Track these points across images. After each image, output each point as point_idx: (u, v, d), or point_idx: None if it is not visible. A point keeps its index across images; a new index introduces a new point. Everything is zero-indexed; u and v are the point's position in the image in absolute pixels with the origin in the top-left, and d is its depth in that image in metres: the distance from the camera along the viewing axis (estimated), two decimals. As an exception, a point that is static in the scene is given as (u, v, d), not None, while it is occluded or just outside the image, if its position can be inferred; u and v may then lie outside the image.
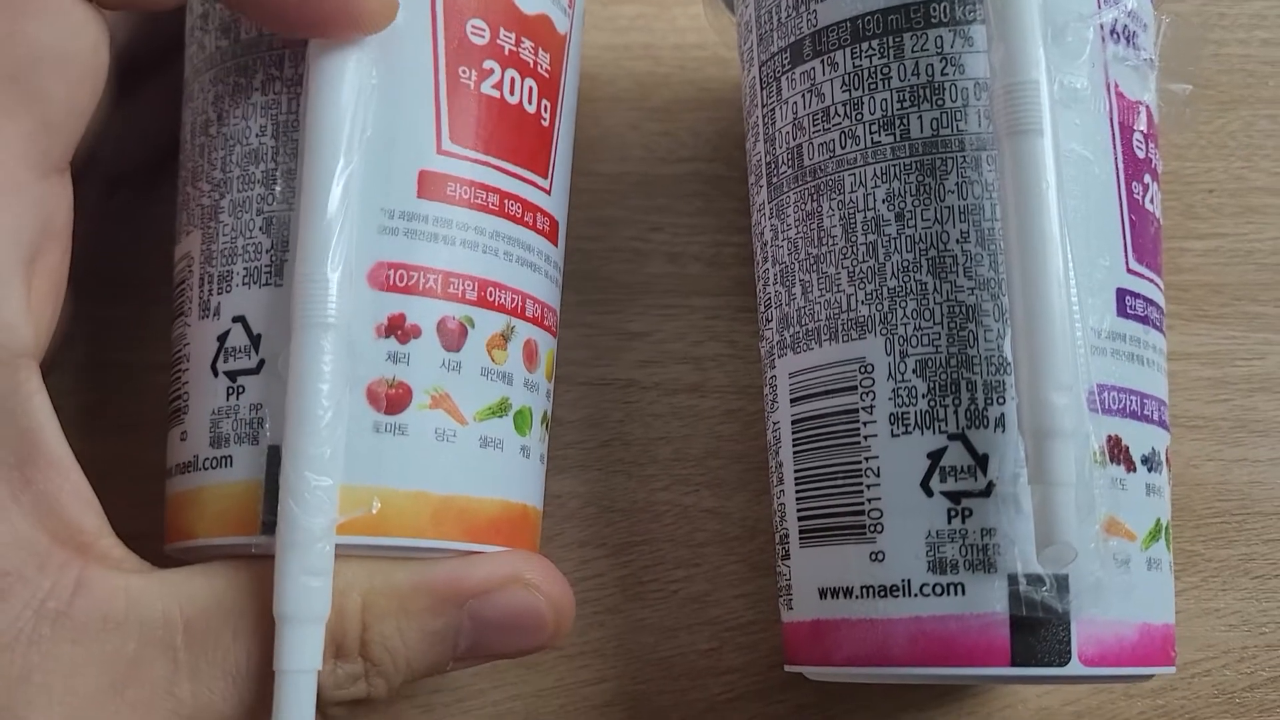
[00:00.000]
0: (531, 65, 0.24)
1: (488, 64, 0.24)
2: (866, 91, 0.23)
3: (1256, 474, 0.31)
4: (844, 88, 0.24)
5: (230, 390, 0.22)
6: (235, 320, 0.23)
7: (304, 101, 0.22)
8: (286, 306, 0.22)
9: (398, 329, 0.22)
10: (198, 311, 0.23)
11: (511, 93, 0.24)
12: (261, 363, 0.22)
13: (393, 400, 0.22)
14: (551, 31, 0.25)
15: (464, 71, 0.23)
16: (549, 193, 0.25)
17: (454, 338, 0.23)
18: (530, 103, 0.24)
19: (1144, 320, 0.23)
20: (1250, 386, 0.31)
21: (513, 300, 0.24)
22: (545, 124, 0.25)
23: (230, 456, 0.22)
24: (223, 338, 0.23)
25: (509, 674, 0.29)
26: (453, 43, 0.23)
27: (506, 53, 0.24)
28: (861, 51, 0.24)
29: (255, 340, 0.22)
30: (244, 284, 0.23)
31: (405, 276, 0.22)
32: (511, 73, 0.24)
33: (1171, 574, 0.24)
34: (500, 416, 0.23)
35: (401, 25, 0.23)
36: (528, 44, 0.24)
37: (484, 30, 0.24)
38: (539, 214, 0.25)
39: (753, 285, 0.27)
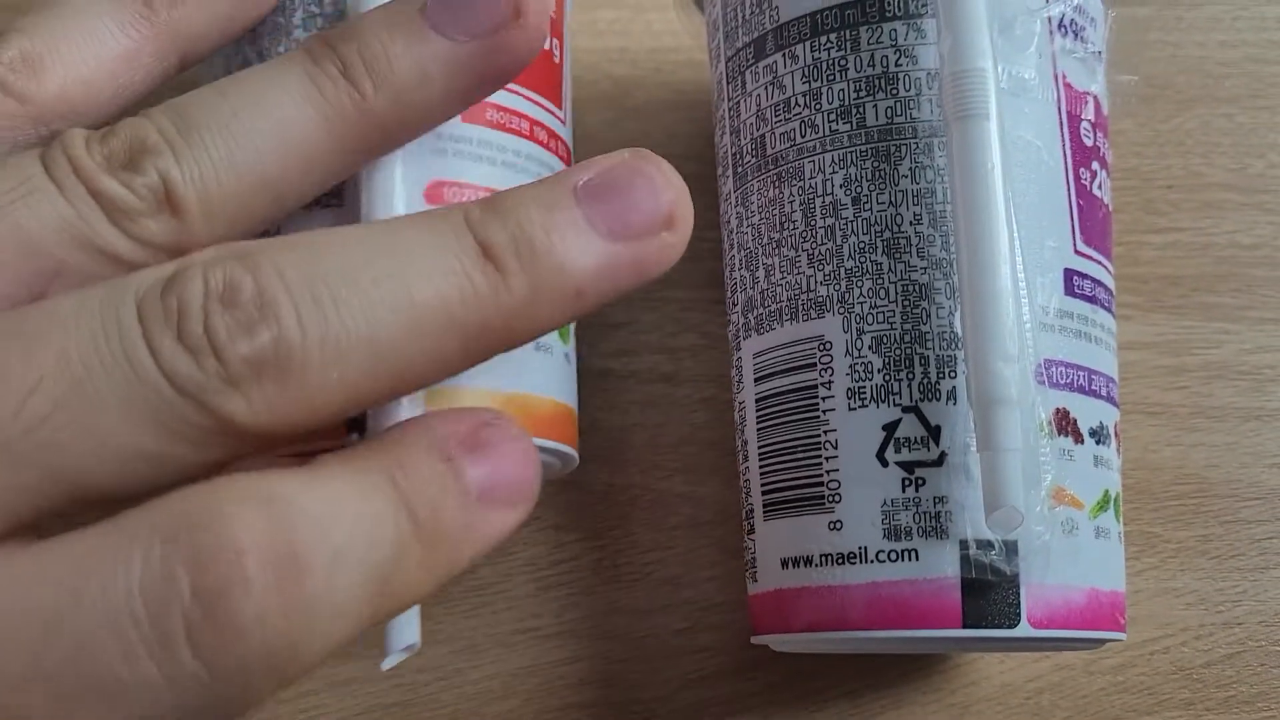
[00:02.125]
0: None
1: None
2: (825, 83, 0.25)
3: (1213, 458, 0.32)
4: (804, 79, 0.25)
5: None
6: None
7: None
8: None
9: None
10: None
11: None
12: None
13: None
14: None
15: None
16: (563, 122, 0.27)
17: None
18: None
19: (1091, 300, 0.24)
20: (1207, 374, 0.32)
21: None
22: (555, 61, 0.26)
23: None
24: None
25: (486, 654, 0.30)
26: None
27: None
28: (820, 45, 0.25)
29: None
30: None
31: None
32: None
33: (1122, 545, 0.25)
34: None
35: None
36: None
37: None
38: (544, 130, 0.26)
39: (723, 273, 0.28)
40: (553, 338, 0.25)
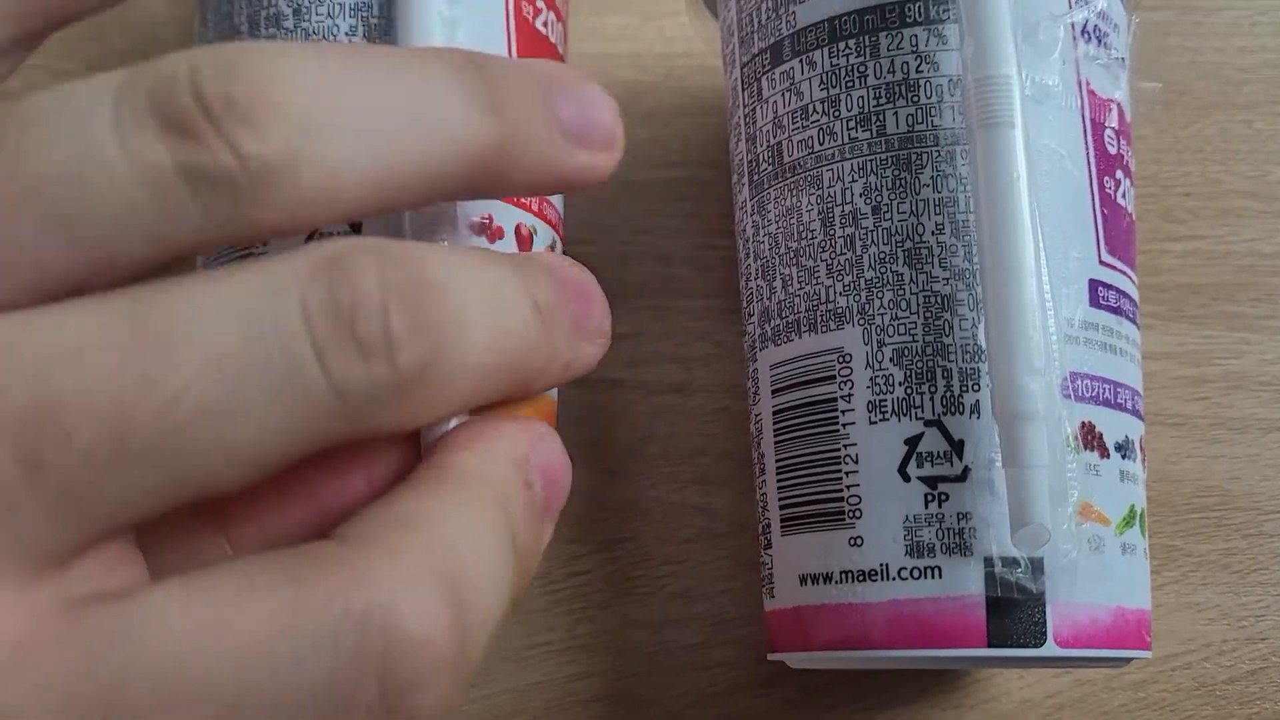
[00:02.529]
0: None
1: None
2: (844, 89, 0.24)
3: (1235, 470, 0.31)
4: (822, 86, 0.24)
5: None
6: None
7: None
8: None
9: (486, 229, 0.23)
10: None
11: None
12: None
13: None
14: None
15: None
16: None
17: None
18: None
19: (1116, 311, 0.24)
20: (1228, 385, 0.32)
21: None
22: None
23: None
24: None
25: (498, 669, 0.30)
26: None
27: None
28: (839, 51, 0.24)
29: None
30: None
31: None
32: None
33: (1147, 560, 0.24)
34: None
35: None
36: None
37: None
38: None
39: (737, 287, 0.28)
40: None
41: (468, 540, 0.16)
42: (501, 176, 0.18)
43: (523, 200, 0.24)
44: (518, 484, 0.18)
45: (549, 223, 0.25)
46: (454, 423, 0.19)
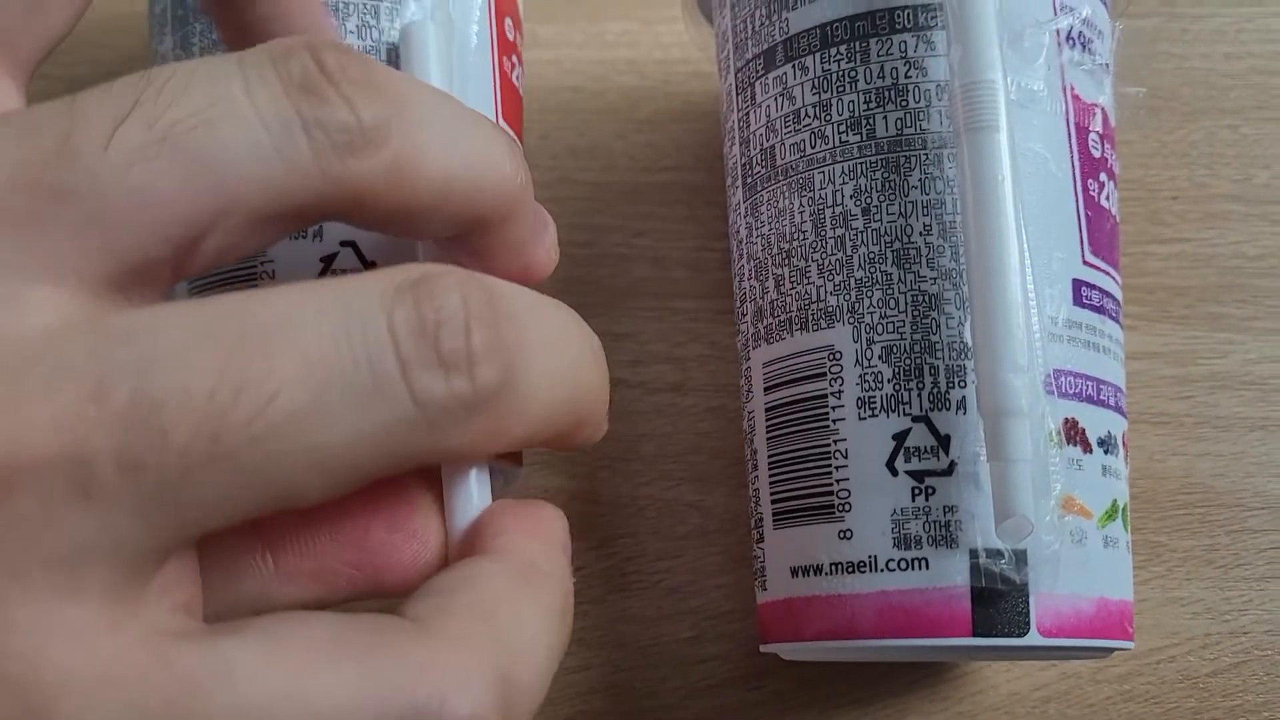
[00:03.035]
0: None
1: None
2: (835, 94, 0.25)
3: (1219, 468, 0.32)
4: (814, 91, 0.25)
5: None
6: None
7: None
8: None
9: None
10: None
11: None
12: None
13: None
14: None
15: None
16: None
17: None
18: None
19: (1100, 310, 0.25)
20: (1213, 384, 0.32)
21: None
22: None
23: None
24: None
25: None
26: None
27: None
28: (830, 56, 0.25)
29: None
30: None
31: None
32: None
33: (1129, 554, 0.25)
34: None
35: None
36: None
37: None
38: None
39: (732, 289, 0.28)
40: None
41: (531, 640, 0.17)
42: (505, 227, 0.20)
43: None
44: (569, 578, 0.19)
45: None
46: (477, 492, 0.20)
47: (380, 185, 0.17)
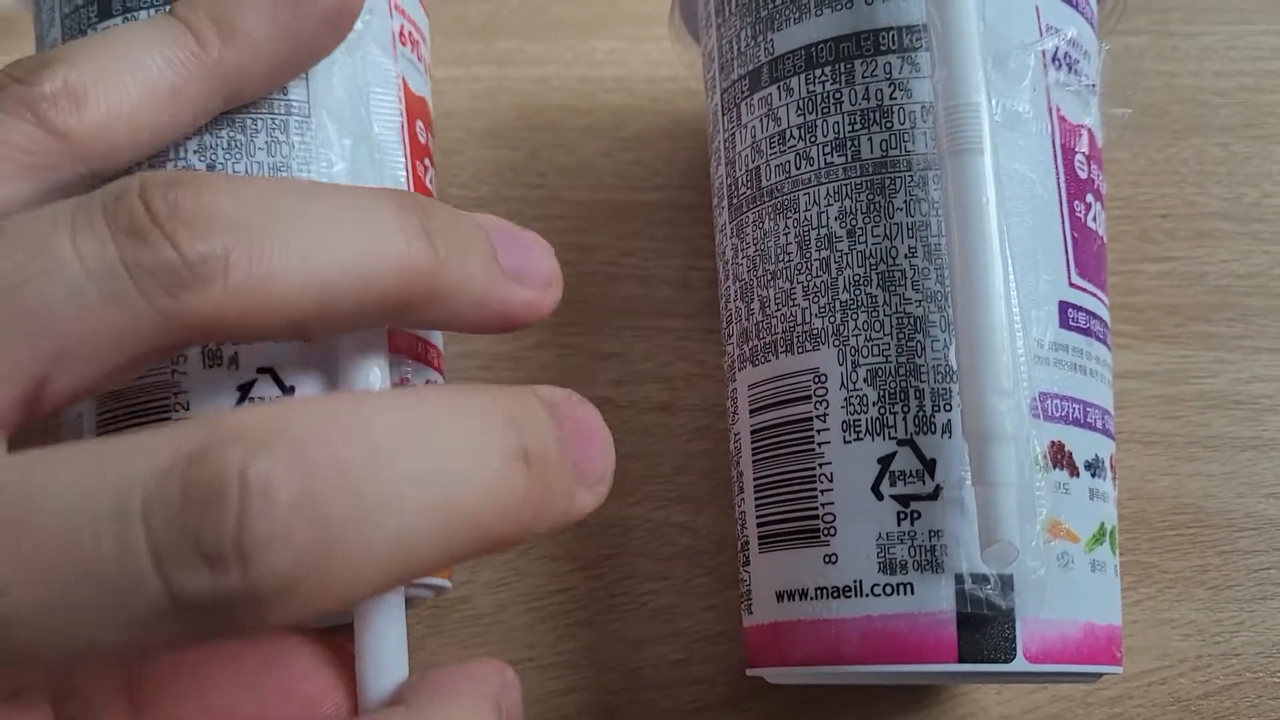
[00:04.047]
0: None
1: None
2: (820, 115, 0.25)
3: (1210, 488, 0.32)
4: (799, 112, 0.25)
5: None
6: None
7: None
8: None
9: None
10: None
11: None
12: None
13: None
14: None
15: None
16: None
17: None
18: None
19: (1086, 332, 0.24)
20: (1203, 404, 0.32)
21: None
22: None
23: None
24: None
25: (483, 684, 0.30)
26: None
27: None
28: (815, 78, 0.25)
29: None
30: None
31: None
32: None
33: (1118, 577, 0.25)
34: None
35: None
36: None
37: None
38: None
39: (719, 304, 0.28)
40: None
41: None
42: (439, 302, 0.19)
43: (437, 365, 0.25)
44: None
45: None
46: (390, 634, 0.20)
47: (230, 312, 0.17)
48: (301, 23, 0.21)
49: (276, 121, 0.23)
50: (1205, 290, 0.33)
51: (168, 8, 0.22)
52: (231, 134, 0.23)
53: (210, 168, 0.22)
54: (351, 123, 0.24)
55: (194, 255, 0.16)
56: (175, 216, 0.17)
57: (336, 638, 0.20)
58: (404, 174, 0.25)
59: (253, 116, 0.23)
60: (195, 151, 0.23)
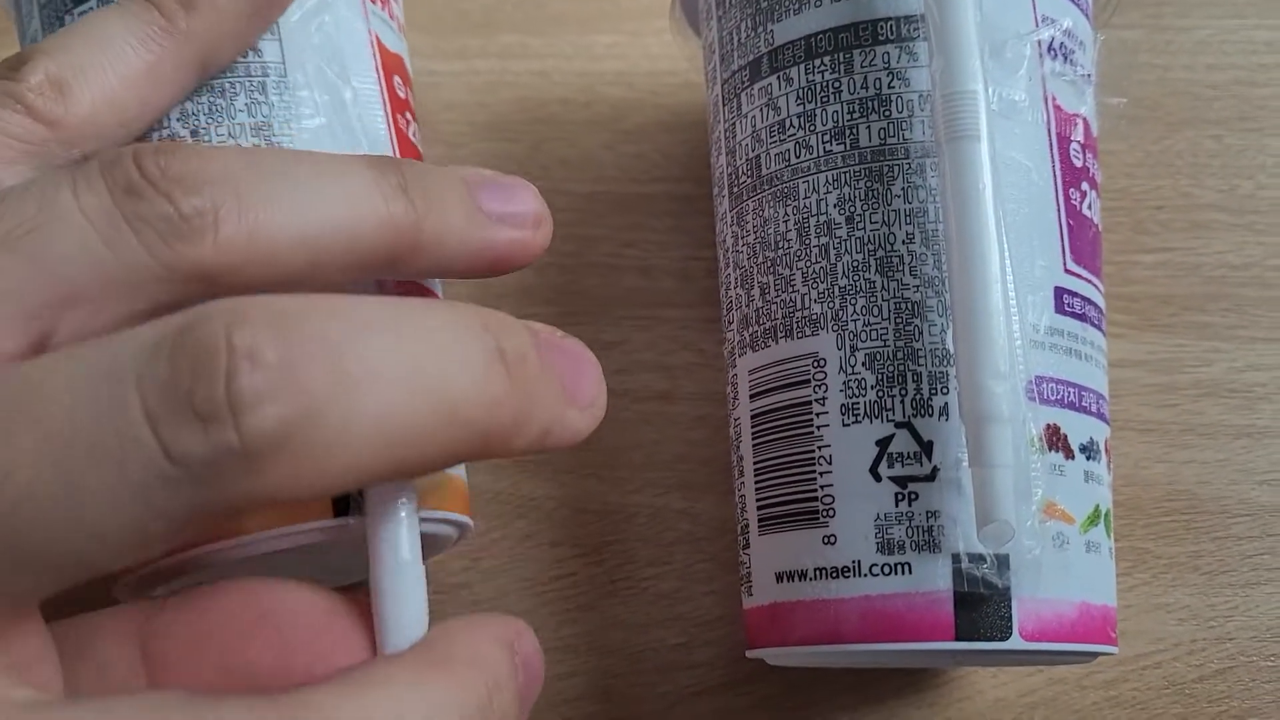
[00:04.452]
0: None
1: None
2: (819, 104, 0.25)
3: (1204, 475, 0.32)
4: (798, 101, 0.25)
5: None
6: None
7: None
8: None
9: None
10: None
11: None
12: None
13: None
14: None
15: None
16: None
17: None
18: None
19: (1082, 318, 0.25)
20: (1198, 392, 0.33)
21: None
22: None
23: None
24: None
25: (486, 669, 0.30)
26: None
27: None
28: (814, 67, 0.25)
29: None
30: None
31: None
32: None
33: (1112, 559, 0.25)
34: None
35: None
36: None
37: None
38: None
39: (719, 298, 0.29)
40: None
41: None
42: (425, 252, 0.20)
43: None
44: (503, 675, 0.18)
45: None
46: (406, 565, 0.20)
47: (226, 263, 0.17)
48: None
49: (254, 83, 0.24)
50: (1200, 281, 0.34)
51: None
52: (212, 99, 0.23)
53: (194, 133, 0.23)
54: (329, 80, 0.24)
55: (188, 208, 0.17)
56: (167, 177, 0.17)
57: (356, 594, 0.20)
58: (385, 128, 0.25)
59: (230, 80, 0.23)
60: (178, 119, 0.23)
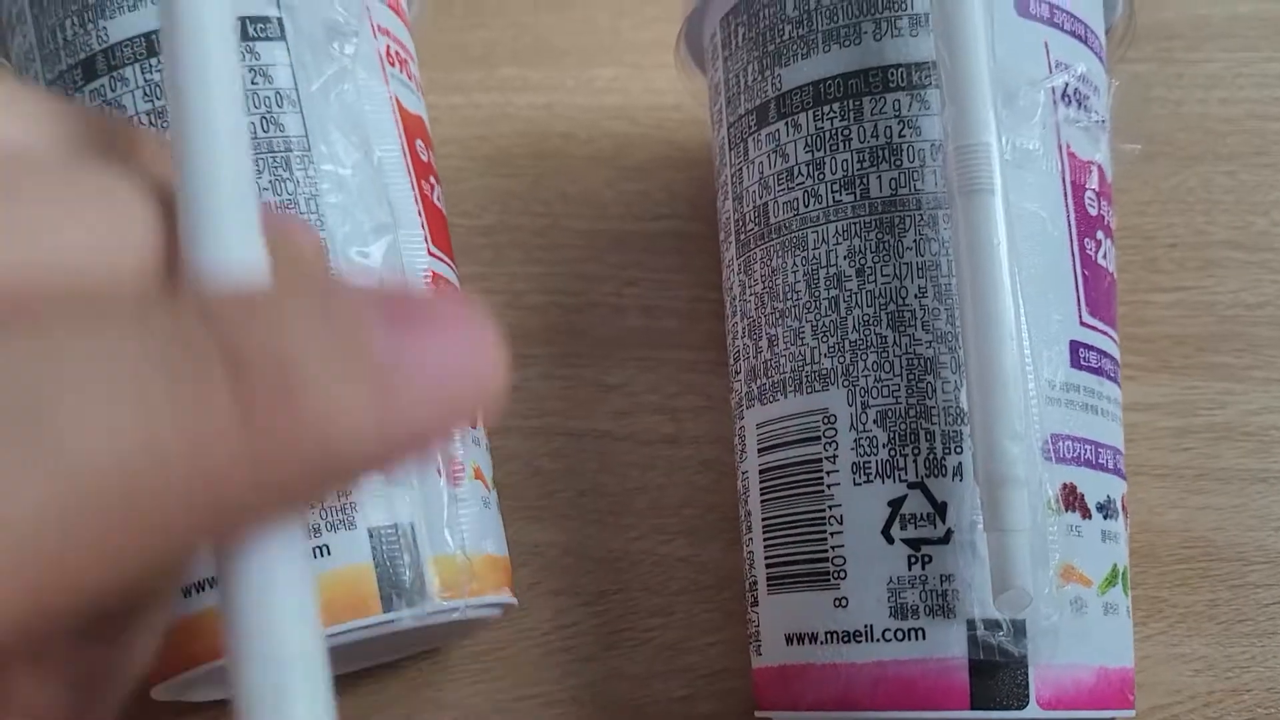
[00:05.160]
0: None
1: None
2: (828, 152, 0.24)
3: (1220, 521, 0.31)
4: (807, 148, 0.25)
5: None
6: None
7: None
8: None
9: None
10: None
11: None
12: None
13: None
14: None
15: None
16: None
17: None
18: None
19: (1097, 371, 0.24)
20: (1213, 435, 0.32)
21: None
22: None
23: None
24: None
25: (486, 722, 0.30)
26: None
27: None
28: (823, 114, 0.24)
29: None
30: None
31: None
32: None
33: (1130, 618, 0.24)
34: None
35: None
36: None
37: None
38: None
39: (725, 340, 0.28)
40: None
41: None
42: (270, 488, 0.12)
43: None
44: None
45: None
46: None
47: None
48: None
49: (278, 159, 0.23)
50: (1214, 320, 0.33)
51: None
52: None
53: None
54: (351, 150, 0.23)
55: None
56: None
57: None
58: (410, 195, 0.25)
59: (255, 158, 0.22)
60: None
